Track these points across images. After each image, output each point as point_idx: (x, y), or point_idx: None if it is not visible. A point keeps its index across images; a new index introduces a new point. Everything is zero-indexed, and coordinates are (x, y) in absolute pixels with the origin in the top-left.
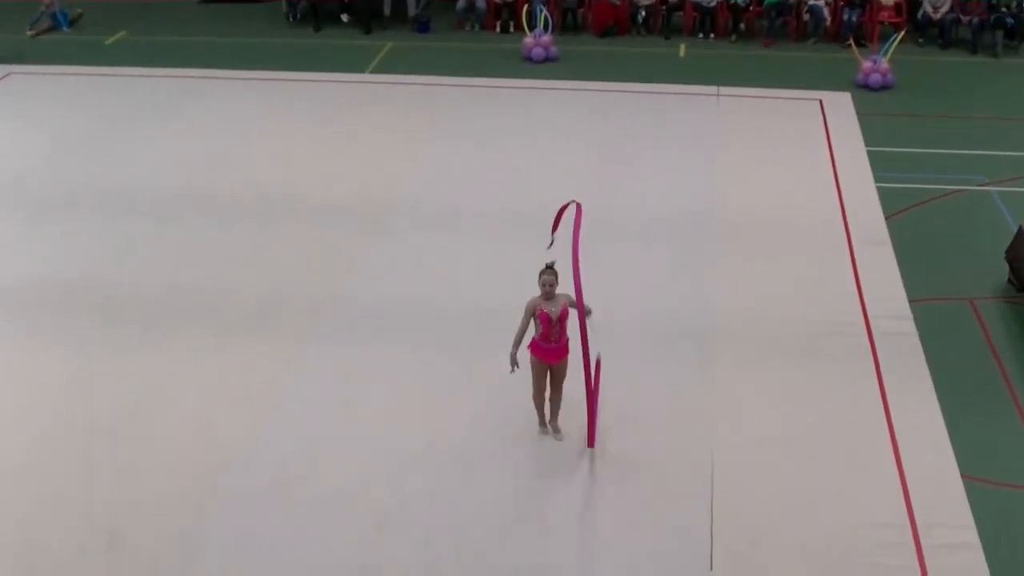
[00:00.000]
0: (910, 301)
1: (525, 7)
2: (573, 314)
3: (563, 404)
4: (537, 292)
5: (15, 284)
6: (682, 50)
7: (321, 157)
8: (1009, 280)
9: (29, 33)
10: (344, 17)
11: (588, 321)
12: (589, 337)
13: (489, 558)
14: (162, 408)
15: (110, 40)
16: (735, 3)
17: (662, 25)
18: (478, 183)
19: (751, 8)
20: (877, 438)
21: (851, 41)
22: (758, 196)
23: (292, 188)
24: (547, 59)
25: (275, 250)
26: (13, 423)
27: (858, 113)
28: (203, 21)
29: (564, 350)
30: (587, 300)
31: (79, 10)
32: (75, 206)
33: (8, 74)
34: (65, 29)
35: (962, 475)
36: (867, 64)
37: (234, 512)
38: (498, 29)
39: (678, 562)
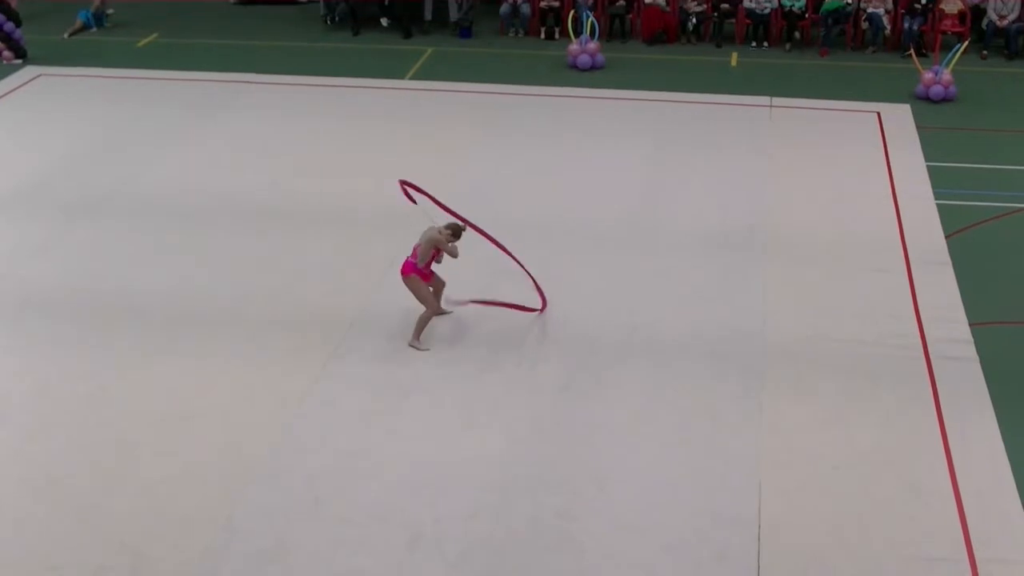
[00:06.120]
0: (971, 324)
1: (571, 12)
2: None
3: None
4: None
5: (40, 290)
6: (734, 59)
7: (357, 166)
8: None
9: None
10: (384, 21)
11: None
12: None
13: None
14: (189, 419)
15: (142, 42)
16: (790, 10)
17: (713, 32)
18: (520, 193)
19: (807, 16)
20: (934, 467)
21: (912, 51)
22: (812, 211)
23: (326, 197)
24: (593, 67)
25: (307, 259)
26: (37, 434)
27: (918, 126)
28: (238, 23)
29: None
30: (636, 312)
31: (110, 10)
32: (102, 211)
33: (39, 75)
34: (93, 28)
35: None
36: (928, 75)
37: (262, 528)
38: (543, 35)
39: None
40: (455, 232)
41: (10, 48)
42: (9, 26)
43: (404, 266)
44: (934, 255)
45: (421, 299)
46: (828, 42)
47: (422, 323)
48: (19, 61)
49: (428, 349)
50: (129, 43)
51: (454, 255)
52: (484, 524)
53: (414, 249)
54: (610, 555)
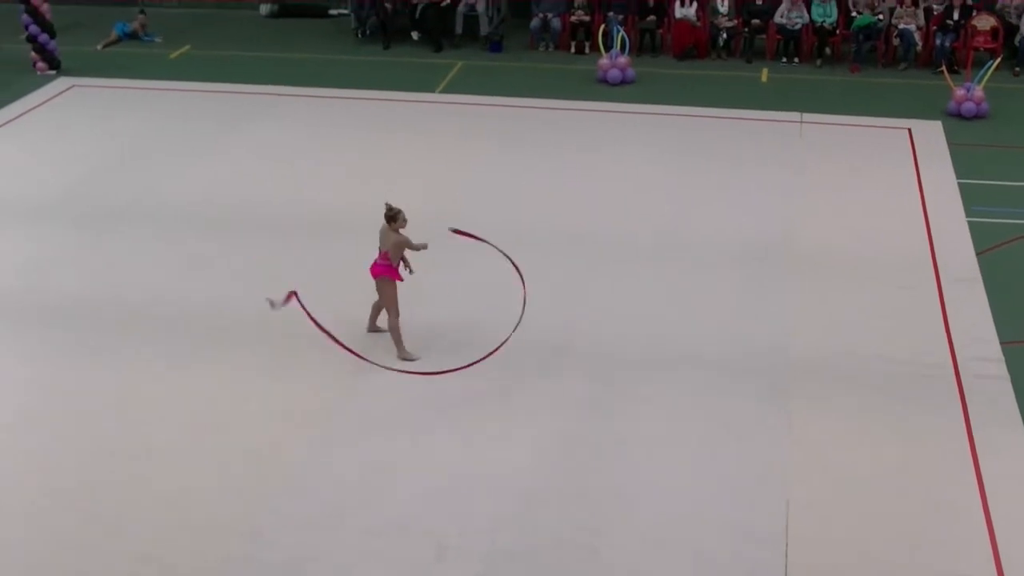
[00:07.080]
0: (1002, 343)
1: (602, 27)
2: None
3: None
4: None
5: (66, 299)
6: (764, 74)
7: (387, 178)
8: None
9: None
10: (414, 34)
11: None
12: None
13: None
14: (214, 429)
15: (175, 54)
16: (821, 26)
17: (744, 48)
18: (548, 207)
19: (838, 32)
20: (964, 485)
21: (943, 67)
22: (842, 227)
23: (354, 209)
24: (624, 81)
25: (337, 270)
26: (63, 443)
27: (949, 143)
28: (269, 36)
29: None
30: (663, 326)
31: (149, 36)
32: (130, 221)
33: (72, 86)
34: (153, 39)
35: None
36: (960, 92)
37: (287, 539)
38: (573, 49)
39: None
40: (394, 217)
41: (44, 59)
42: (43, 37)
43: (374, 268)
44: (965, 272)
45: (387, 302)
46: (859, 58)
47: (396, 333)
48: (53, 72)
49: (419, 358)
50: (162, 55)
51: (418, 249)
52: (509, 538)
53: (383, 252)
54: (636, 570)
